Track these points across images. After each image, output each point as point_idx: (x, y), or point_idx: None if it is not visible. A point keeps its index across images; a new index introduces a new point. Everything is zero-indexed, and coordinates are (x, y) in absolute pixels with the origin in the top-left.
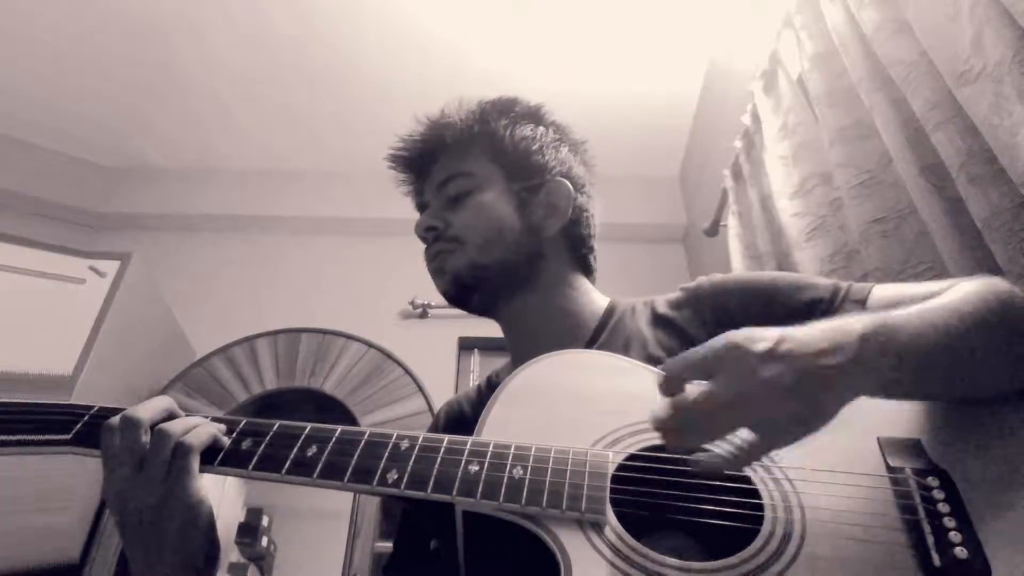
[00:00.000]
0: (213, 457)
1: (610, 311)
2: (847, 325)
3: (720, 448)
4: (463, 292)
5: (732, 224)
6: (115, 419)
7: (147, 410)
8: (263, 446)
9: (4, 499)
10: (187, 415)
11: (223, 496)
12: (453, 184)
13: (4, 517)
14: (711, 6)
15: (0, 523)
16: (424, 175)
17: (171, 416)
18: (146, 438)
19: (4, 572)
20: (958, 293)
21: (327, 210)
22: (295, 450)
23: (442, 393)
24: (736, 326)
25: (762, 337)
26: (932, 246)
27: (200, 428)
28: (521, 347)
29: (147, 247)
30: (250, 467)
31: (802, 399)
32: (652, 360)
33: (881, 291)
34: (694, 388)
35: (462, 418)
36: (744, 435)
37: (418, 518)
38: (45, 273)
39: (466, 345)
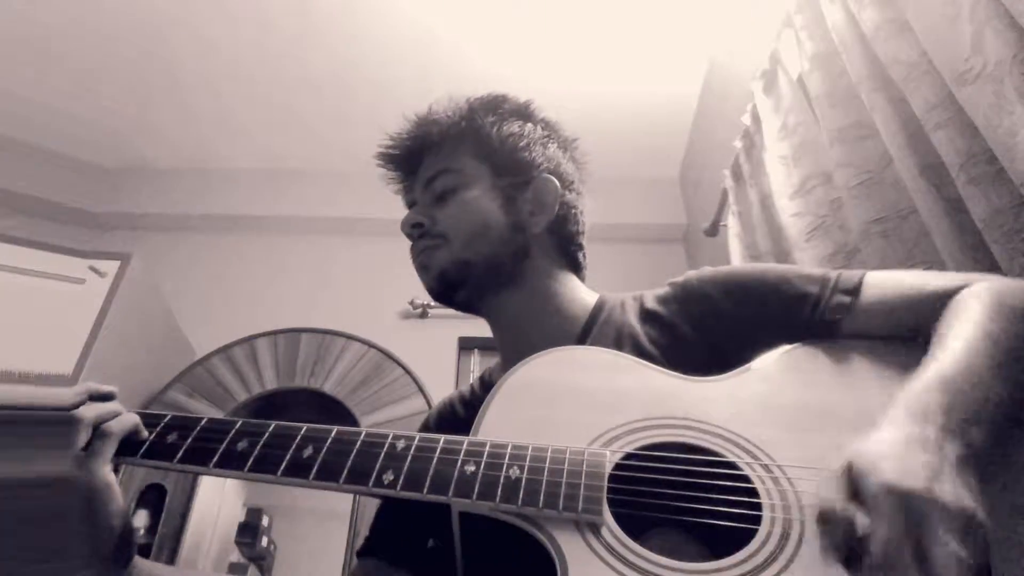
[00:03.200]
0: (208, 459)
1: (599, 307)
2: (922, 407)
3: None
4: (448, 288)
5: (732, 224)
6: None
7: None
8: (259, 447)
9: None
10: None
11: (223, 496)
12: (439, 181)
13: None
14: (711, 6)
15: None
16: (413, 173)
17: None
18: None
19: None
20: (976, 315)
21: (327, 210)
22: (291, 452)
23: (442, 393)
24: (723, 320)
25: (860, 455)
26: (932, 246)
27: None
28: (510, 344)
29: (147, 247)
30: (246, 468)
31: (962, 482)
32: (644, 356)
33: (874, 278)
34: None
35: (454, 417)
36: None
37: (407, 514)
38: (45, 273)
39: (466, 345)
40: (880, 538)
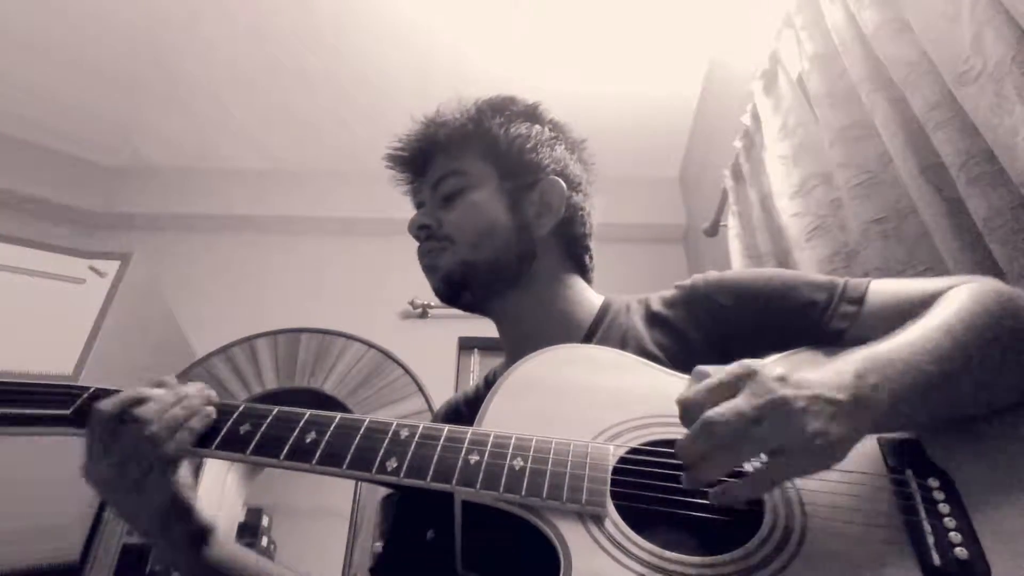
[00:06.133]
0: (209, 440)
1: (604, 309)
2: (843, 367)
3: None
4: (454, 290)
5: (732, 224)
6: (106, 407)
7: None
8: (262, 430)
9: (4, 499)
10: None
11: (223, 495)
12: (446, 183)
13: (4, 517)
14: (711, 6)
15: (0, 523)
16: (421, 174)
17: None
18: (126, 438)
19: (4, 572)
20: (952, 305)
21: (327, 210)
22: (294, 436)
23: (442, 393)
24: (732, 326)
25: (774, 366)
26: (932, 246)
27: (184, 425)
28: (516, 346)
29: (147, 247)
30: (248, 451)
31: (817, 420)
32: (648, 357)
33: (879, 286)
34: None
35: (459, 418)
36: (757, 464)
37: (412, 512)
38: (45, 273)
39: (466, 345)
40: (736, 402)
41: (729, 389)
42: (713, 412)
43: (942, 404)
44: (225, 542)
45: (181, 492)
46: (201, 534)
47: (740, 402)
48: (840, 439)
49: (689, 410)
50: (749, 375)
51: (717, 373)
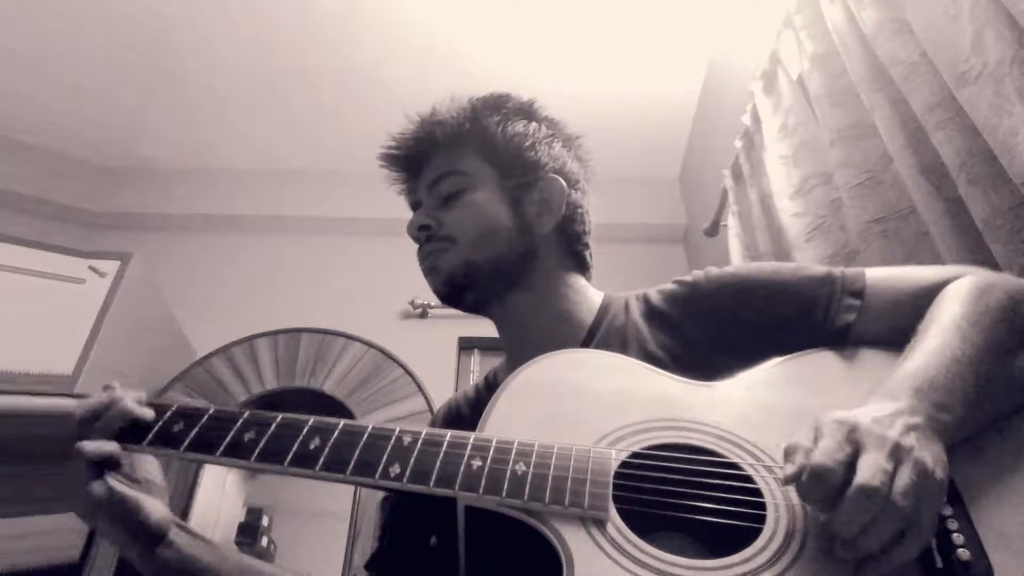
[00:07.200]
0: (215, 447)
1: (605, 308)
2: (894, 389)
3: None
4: (456, 291)
5: (732, 224)
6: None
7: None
8: (266, 437)
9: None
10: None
11: (223, 496)
12: (445, 183)
13: (4, 516)
14: (711, 6)
15: (0, 523)
16: (417, 173)
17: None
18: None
19: (4, 572)
20: (965, 307)
21: (327, 210)
22: (298, 443)
23: (442, 393)
24: (736, 324)
25: (863, 412)
26: (932, 246)
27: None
28: (516, 346)
29: (147, 247)
30: (252, 459)
31: (924, 451)
32: (651, 358)
33: (876, 276)
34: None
35: (459, 418)
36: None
37: (409, 515)
38: (45, 273)
39: (466, 345)
40: (821, 448)
41: (847, 448)
42: (864, 478)
43: (987, 412)
44: (184, 544)
45: (105, 493)
46: (148, 534)
47: (875, 458)
48: (944, 460)
49: (828, 475)
50: (853, 429)
51: (813, 433)
